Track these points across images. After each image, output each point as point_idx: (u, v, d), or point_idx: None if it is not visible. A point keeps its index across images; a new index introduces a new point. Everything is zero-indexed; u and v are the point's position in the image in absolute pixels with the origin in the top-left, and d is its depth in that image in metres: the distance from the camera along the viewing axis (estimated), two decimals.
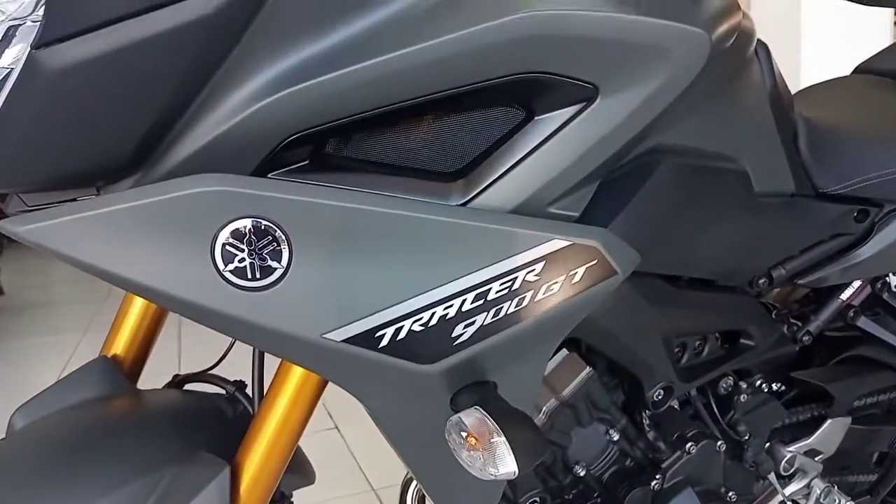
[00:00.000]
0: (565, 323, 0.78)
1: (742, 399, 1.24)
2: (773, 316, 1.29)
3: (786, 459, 1.35)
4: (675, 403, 1.16)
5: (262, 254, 0.66)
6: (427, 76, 0.67)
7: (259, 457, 0.84)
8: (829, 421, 1.35)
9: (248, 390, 0.96)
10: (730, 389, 1.23)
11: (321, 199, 0.67)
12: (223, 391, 1.07)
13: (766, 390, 1.29)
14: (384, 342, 0.70)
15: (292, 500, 1.11)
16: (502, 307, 0.73)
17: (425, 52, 0.66)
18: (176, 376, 1.13)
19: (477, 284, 0.71)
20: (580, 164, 0.74)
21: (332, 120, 0.68)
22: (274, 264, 0.66)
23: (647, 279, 0.93)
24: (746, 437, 1.24)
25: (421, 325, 0.70)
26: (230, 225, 0.65)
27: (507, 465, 0.66)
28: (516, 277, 0.72)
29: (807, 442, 1.36)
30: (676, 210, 0.89)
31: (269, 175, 0.70)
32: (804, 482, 1.40)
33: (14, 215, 0.72)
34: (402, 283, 0.70)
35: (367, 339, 0.69)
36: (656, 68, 0.73)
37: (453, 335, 0.69)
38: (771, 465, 1.32)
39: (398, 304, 0.69)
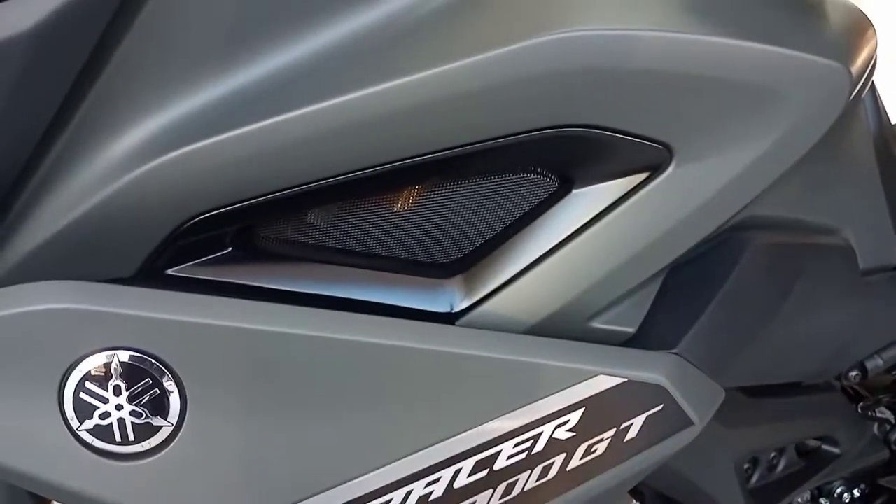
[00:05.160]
0: (611, 497, 0.53)
1: None
2: (859, 409, 1.05)
3: None
4: None
5: (138, 404, 0.42)
6: (406, 130, 0.43)
7: None
8: None
9: None
10: None
11: (231, 322, 0.42)
12: None
13: (848, 501, 1.04)
14: None
15: None
16: (517, 481, 0.48)
17: (404, 92, 0.42)
18: None
19: (478, 447, 0.47)
20: (641, 262, 0.49)
21: (262, 194, 0.44)
22: (157, 421, 0.42)
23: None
24: None
25: None
26: (85, 361, 0.41)
27: None
28: (539, 434, 0.48)
29: None
30: (768, 305, 0.64)
31: (168, 271, 0.46)
32: None
33: None
34: (360, 447, 0.45)
35: None
36: (766, 121, 0.47)
37: None
38: None
39: (353, 479, 0.45)
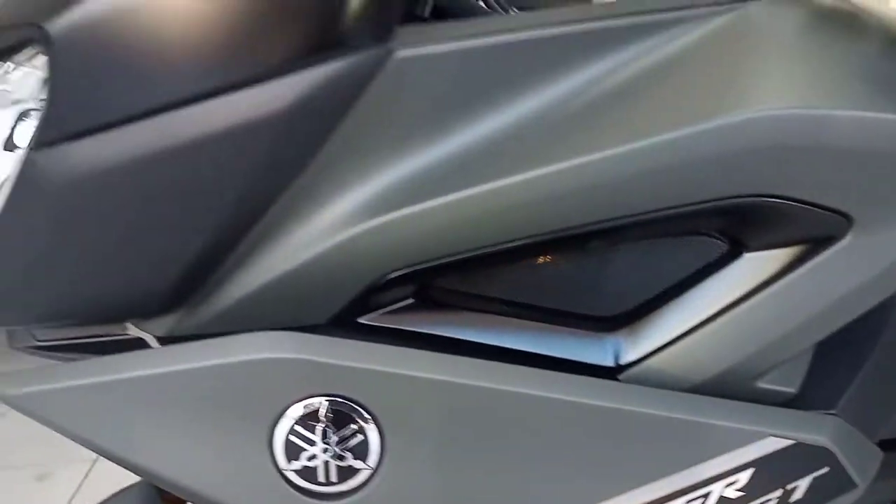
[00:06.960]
0: None
1: None
2: None
3: None
4: None
5: (342, 448, 0.45)
6: (588, 202, 0.46)
7: None
8: None
9: None
10: None
11: (431, 374, 0.45)
12: None
13: None
14: None
15: None
16: None
17: (588, 170, 0.45)
18: None
19: None
20: (812, 327, 0.50)
21: (452, 254, 0.47)
22: (358, 464, 0.45)
23: None
24: None
25: None
26: (296, 406, 0.45)
27: None
28: (708, 493, 0.49)
29: None
30: None
31: (359, 319, 0.49)
32: None
33: (22, 349, 0.54)
34: (530, 501, 0.47)
35: None
36: None
37: None
38: None
39: None
